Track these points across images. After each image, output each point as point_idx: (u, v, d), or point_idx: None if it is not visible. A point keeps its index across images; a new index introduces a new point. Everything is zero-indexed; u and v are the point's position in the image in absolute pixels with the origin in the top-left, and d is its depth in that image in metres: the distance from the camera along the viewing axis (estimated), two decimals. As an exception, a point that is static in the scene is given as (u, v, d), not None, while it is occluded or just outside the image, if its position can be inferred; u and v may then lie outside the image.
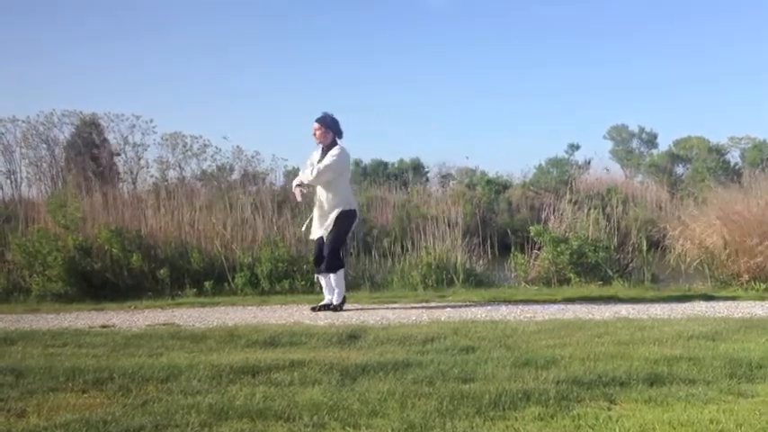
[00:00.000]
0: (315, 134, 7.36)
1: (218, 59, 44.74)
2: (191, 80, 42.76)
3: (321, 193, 7.33)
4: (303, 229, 7.69)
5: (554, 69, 46.56)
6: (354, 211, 7.46)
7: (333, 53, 45.71)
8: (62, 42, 40.43)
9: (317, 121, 7.33)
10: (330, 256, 7.25)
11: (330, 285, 7.34)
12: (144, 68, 42.18)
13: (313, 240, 7.52)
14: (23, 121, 18.30)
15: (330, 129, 7.33)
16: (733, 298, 8.06)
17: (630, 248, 9.97)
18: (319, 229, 7.32)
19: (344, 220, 7.29)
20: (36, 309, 7.87)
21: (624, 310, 7.11)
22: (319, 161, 7.30)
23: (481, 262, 10.00)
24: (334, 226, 7.22)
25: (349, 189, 7.60)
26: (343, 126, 7.45)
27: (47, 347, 5.23)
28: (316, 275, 7.78)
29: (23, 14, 39.48)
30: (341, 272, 7.37)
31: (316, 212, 7.40)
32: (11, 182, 17.75)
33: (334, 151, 7.26)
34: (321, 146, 7.37)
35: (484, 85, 46.23)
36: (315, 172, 7.21)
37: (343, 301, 7.34)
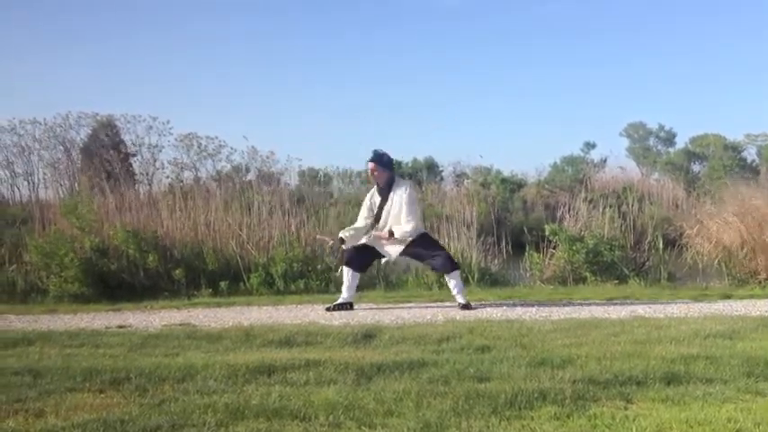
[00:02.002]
0: (372, 174, 7.34)
1: (228, 60, 44.94)
2: (203, 81, 42.99)
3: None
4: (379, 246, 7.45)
5: (571, 67, 46.46)
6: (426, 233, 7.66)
7: (344, 52, 45.81)
8: (75, 44, 40.74)
9: (373, 161, 7.27)
10: (447, 257, 7.38)
11: (459, 286, 7.33)
12: (158, 69, 42.43)
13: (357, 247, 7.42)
14: (41, 123, 18.48)
15: (386, 168, 7.34)
16: (750, 296, 8.01)
17: (647, 247, 9.94)
18: (393, 247, 7.31)
19: (427, 237, 7.49)
20: (53, 309, 7.91)
21: (640, 308, 7.08)
22: (383, 202, 7.29)
23: (496, 261, 9.99)
24: (431, 244, 7.41)
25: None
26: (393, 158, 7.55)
27: (64, 348, 5.26)
28: (341, 270, 7.54)
29: (39, 16, 39.82)
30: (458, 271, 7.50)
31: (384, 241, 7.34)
32: (28, 183, 17.93)
33: (407, 191, 7.28)
34: (377, 184, 7.36)
35: (498, 83, 46.16)
36: (407, 228, 7.16)
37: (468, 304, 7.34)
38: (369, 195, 7.54)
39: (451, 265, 7.36)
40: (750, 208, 9.71)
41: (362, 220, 7.44)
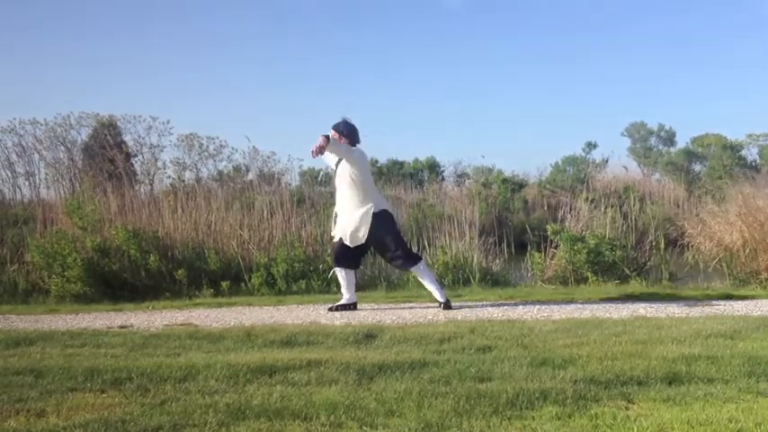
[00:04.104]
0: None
1: (228, 60, 44.97)
2: (204, 81, 43.01)
3: (348, 195, 7.13)
4: (333, 232, 7.40)
5: (572, 67, 46.47)
6: (386, 210, 7.29)
7: (346, 52, 45.83)
8: (76, 44, 40.77)
9: (333, 127, 7.21)
10: (404, 252, 7.24)
11: (431, 279, 7.27)
12: (159, 70, 42.47)
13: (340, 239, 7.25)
14: (42, 124, 18.47)
15: (344, 135, 7.16)
16: (752, 296, 7.99)
17: (648, 247, 9.92)
18: (349, 231, 7.11)
19: (386, 219, 7.19)
20: (55, 309, 7.92)
21: (642, 308, 7.07)
22: (337, 164, 7.20)
23: (497, 261, 9.98)
24: (381, 228, 7.11)
25: (376, 190, 7.52)
26: (360, 133, 7.30)
27: (66, 348, 5.26)
28: (333, 272, 7.59)
29: (39, 18, 39.84)
30: (422, 264, 7.33)
31: (339, 215, 7.24)
32: (29, 183, 17.91)
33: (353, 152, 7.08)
34: None
35: (499, 82, 46.17)
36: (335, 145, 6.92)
37: (448, 301, 7.26)
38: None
39: (413, 259, 7.27)
40: (752, 207, 9.71)
41: None
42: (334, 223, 7.37)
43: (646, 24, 47.16)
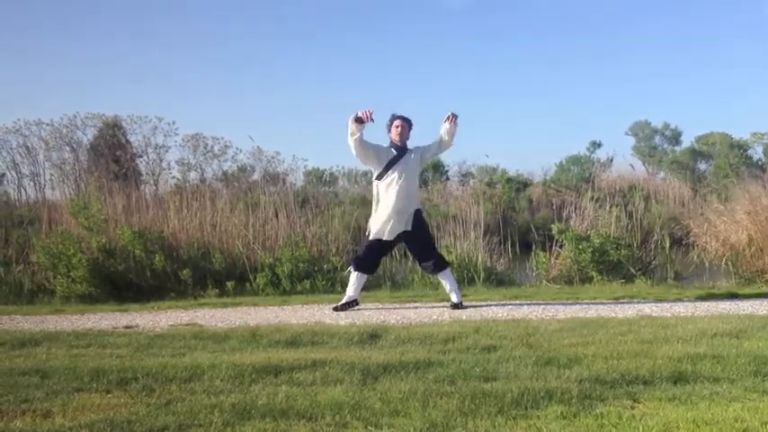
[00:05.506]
0: (399, 131, 7.23)
1: (231, 59, 44.99)
2: (206, 80, 43.05)
3: (399, 192, 7.13)
4: (375, 230, 7.24)
5: (575, 66, 46.39)
6: (421, 210, 7.52)
7: (347, 51, 45.84)
8: (76, 44, 40.84)
9: (404, 119, 7.28)
10: (436, 255, 7.41)
11: (451, 283, 7.39)
12: (159, 69, 42.53)
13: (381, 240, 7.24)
14: (47, 124, 18.54)
15: (410, 129, 7.35)
16: (757, 295, 7.97)
17: (653, 246, 9.90)
18: (397, 228, 7.16)
19: (423, 218, 7.44)
20: (60, 310, 7.93)
21: (647, 308, 7.05)
22: (395, 159, 7.16)
23: (502, 261, 9.97)
24: (422, 227, 7.31)
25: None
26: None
27: (71, 348, 5.27)
28: (349, 270, 7.51)
29: (39, 18, 39.92)
30: (448, 270, 7.49)
31: (393, 213, 7.15)
32: (35, 184, 17.98)
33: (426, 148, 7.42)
34: (393, 145, 7.26)
35: (500, 82, 46.13)
36: (448, 136, 7.29)
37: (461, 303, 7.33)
38: (376, 146, 7.28)
39: (442, 264, 7.42)
40: (759, 206, 9.68)
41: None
42: (382, 222, 7.20)
43: (646, 24, 47.16)
